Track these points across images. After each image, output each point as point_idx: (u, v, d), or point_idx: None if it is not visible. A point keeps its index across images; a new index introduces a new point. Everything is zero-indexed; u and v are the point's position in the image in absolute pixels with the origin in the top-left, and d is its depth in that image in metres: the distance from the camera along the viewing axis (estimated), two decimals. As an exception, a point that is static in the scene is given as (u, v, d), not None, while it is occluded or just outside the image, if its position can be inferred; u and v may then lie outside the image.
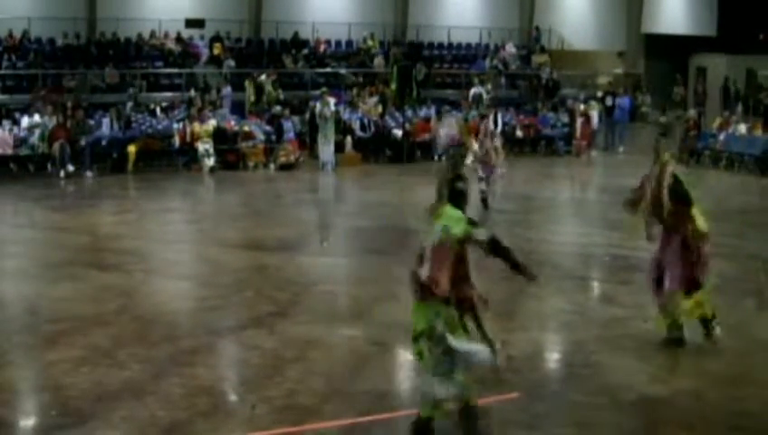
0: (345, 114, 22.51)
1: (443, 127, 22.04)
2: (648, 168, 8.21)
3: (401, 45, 28.98)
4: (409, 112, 23.90)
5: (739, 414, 6.50)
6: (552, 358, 8.03)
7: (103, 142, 19.86)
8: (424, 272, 5.93)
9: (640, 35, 32.96)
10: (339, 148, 20.76)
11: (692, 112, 23.61)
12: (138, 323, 8.49)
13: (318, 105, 20.67)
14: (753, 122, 22.62)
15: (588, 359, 7.59)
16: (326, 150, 20.05)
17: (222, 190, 18.22)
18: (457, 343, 5.73)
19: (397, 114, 23.41)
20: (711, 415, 6.57)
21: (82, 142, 19.16)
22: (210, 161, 19.73)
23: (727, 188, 19.00)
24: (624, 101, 25.33)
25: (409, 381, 7.24)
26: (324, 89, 22.16)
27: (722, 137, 21.62)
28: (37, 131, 19.32)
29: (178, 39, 26.39)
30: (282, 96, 24.00)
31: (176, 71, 25.16)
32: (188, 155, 20.05)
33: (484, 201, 15.19)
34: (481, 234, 5.86)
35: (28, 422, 6.41)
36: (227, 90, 23.96)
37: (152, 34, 26.26)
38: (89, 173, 18.98)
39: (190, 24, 26.65)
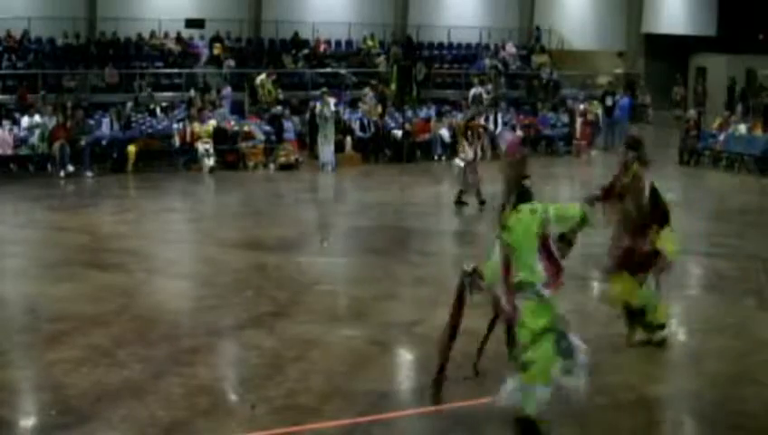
0: (345, 114, 22.52)
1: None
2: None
3: (401, 46, 28.98)
4: (409, 112, 23.91)
5: (739, 414, 6.50)
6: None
7: (103, 142, 19.86)
8: (530, 273, 6.12)
9: (640, 35, 32.96)
10: (339, 148, 20.75)
11: (692, 112, 23.59)
12: (138, 323, 8.49)
13: (318, 105, 20.67)
14: (753, 122, 22.60)
15: (588, 358, 7.57)
16: (326, 150, 20.04)
17: (222, 190, 18.21)
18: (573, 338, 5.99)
19: (397, 114, 23.41)
20: (711, 415, 6.56)
21: (82, 142, 19.16)
22: (210, 161, 19.72)
23: (727, 189, 19.01)
24: (624, 101, 25.33)
25: (409, 381, 7.25)
26: (324, 89, 22.16)
27: (722, 137, 21.61)
28: (37, 131, 19.32)
29: (178, 39, 26.42)
30: (281, 96, 24.01)
31: (176, 71, 25.19)
32: (188, 155, 20.05)
33: (482, 202, 15.12)
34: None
35: (28, 422, 6.41)
36: (227, 90, 23.97)
37: (152, 34, 26.30)
38: (89, 173, 18.97)
39: (190, 23, 26.68)
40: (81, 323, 8.40)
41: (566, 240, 6.23)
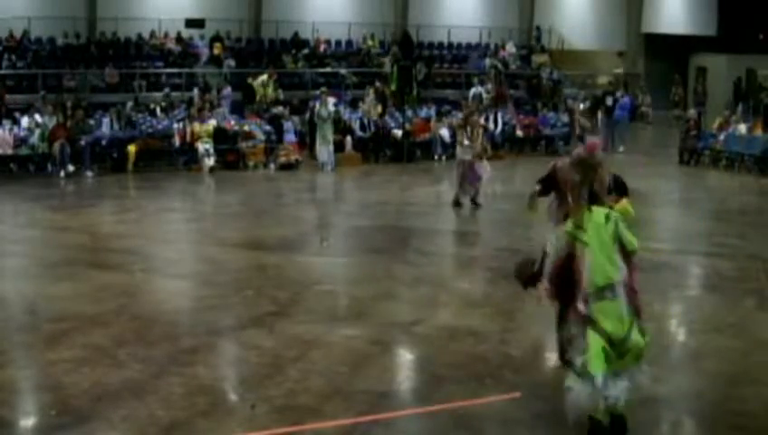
0: (345, 114, 22.52)
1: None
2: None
3: (398, 44, 28.96)
4: (409, 112, 23.90)
5: (740, 414, 6.50)
6: (553, 357, 7.99)
7: (103, 142, 19.87)
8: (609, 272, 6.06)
9: (640, 35, 32.98)
10: (339, 147, 20.76)
11: (692, 112, 23.61)
12: (138, 323, 8.48)
13: (317, 105, 20.68)
14: (753, 122, 22.61)
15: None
16: (324, 151, 20.04)
17: (222, 190, 18.21)
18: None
19: (397, 114, 23.41)
20: (711, 415, 6.56)
21: (82, 142, 19.17)
22: (210, 161, 19.73)
23: (727, 188, 19.02)
24: (624, 101, 25.34)
25: (409, 381, 7.24)
26: (324, 89, 22.18)
27: (722, 137, 21.61)
28: (37, 131, 19.33)
29: (178, 39, 26.42)
30: (281, 96, 24.02)
31: (176, 70, 25.18)
32: (188, 155, 20.06)
33: (474, 202, 15.15)
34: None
35: (28, 422, 6.40)
36: (227, 90, 23.98)
37: (152, 34, 26.30)
38: (89, 173, 18.98)
39: (190, 23, 26.68)
40: (81, 323, 8.40)
41: None
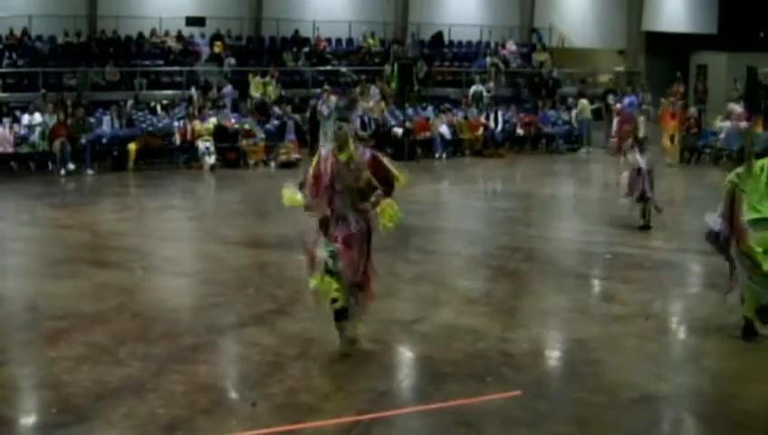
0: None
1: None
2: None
3: (408, 45, 28.97)
4: (410, 110, 23.91)
5: (740, 412, 6.49)
6: (553, 356, 8.02)
7: (104, 140, 19.88)
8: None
9: (641, 33, 32.93)
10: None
11: (692, 110, 23.60)
12: (138, 321, 8.48)
13: (319, 103, 20.69)
14: (754, 120, 22.57)
15: (589, 357, 7.58)
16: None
17: (222, 188, 18.21)
18: None
19: (397, 112, 23.41)
20: (711, 413, 6.56)
21: (83, 140, 19.18)
22: (211, 159, 19.74)
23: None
24: (631, 99, 25.21)
25: (410, 379, 7.24)
26: (327, 87, 22.19)
27: (722, 135, 21.60)
28: (38, 129, 19.34)
29: (179, 37, 26.42)
30: (282, 92, 24.05)
31: (176, 69, 25.18)
32: (189, 153, 20.07)
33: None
34: None
35: (28, 420, 6.40)
36: (228, 88, 23.99)
37: (153, 32, 26.29)
38: (89, 171, 18.99)
39: (191, 21, 26.68)
40: (82, 321, 8.40)
41: None
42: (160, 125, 21.03)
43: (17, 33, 24.63)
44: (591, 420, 6.31)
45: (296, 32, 28.20)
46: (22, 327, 8.50)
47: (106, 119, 20.37)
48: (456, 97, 26.22)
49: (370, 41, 28.88)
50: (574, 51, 31.50)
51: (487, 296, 9.63)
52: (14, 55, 24.03)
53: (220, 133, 20.38)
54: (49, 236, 13.08)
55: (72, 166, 18.80)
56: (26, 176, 18.72)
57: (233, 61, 25.96)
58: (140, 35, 26.16)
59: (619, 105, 24.35)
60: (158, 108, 22.20)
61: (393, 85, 25.70)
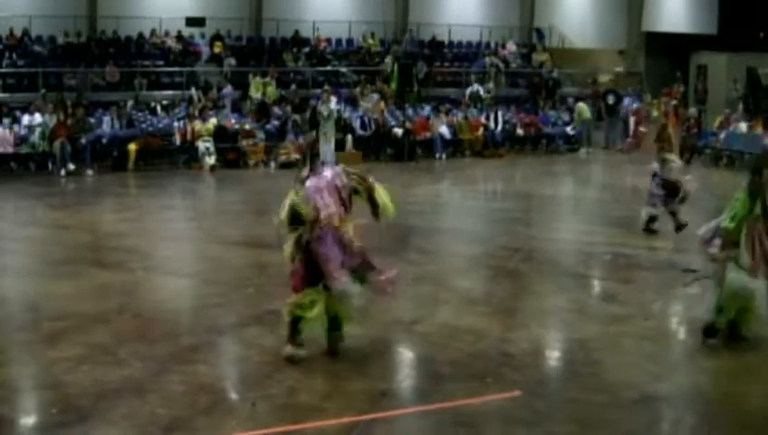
0: (346, 112, 22.53)
1: None
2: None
3: (405, 40, 28.99)
4: (410, 111, 23.92)
5: (740, 411, 6.50)
6: (553, 356, 8.03)
7: (104, 140, 19.89)
8: None
9: (641, 33, 32.93)
10: (339, 146, 20.76)
11: (692, 111, 23.62)
12: (138, 321, 8.49)
13: (319, 103, 20.71)
14: (754, 121, 22.61)
15: (589, 357, 7.58)
16: (325, 149, 20.03)
17: (222, 188, 18.22)
18: None
19: (397, 112, 23.42)
20: (712, 412, 6.56)
21: (83, 140, 19.19)
22: (211, 159, 19.75)
23: (728, 187, 18.95)
24: (629, 100, 25.25)
25: (410, 380, 7.24)
26: (327, 87, 22.20)
27: (722, 135, 21.62)
28: (38, 130, 19.35)
29: (179, 37, 26.40)
30: (282, 93, 24.05)
31: (176, 69, 25.17)
32: (189, 153, 20.08)
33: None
34: None
35: (29, 420, 6.40)
36: (228, 88, 24.00)
37: (153, 33, 26.27)
38: (89, 171, 19.00)
39: (191, 22, 26.67)
40: (82, 321, 8.40)
41: None
42: (160, 125, 21.04)
43: (17, 33, 24.62)
44: (591, 420, 6.31)
45: (296, 32, 28.18)
46: (22, 327, 8.50)
47: (106, 119, 20.39)
48: (455, 97, 26.23)
49: (370, 41, 28.88)
50: (574, 51, 31.49)
51: (487, 296, 9.64)
52: (14, 56, 24.02)
53: (220, 134, 20.39)
54: (49, 236, 13.09)
55: (72, 166, 18.81)
56: (26, 176, 18.72)
57: (233, 61, 25.96)
58: (140, 36, 26.14)
59: (635, 105, 24.53)
60: (158, 108, 22.21)
61: (393, 86, 25.70)
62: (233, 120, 21.40)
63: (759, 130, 21.41)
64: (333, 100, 21.25)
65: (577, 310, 9.12)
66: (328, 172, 7.57)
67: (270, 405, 6.45)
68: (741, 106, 26.45)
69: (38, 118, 19.74)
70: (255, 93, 23.83)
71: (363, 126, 22.10)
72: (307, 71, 26.76)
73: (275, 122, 21.81)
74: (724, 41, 31.92)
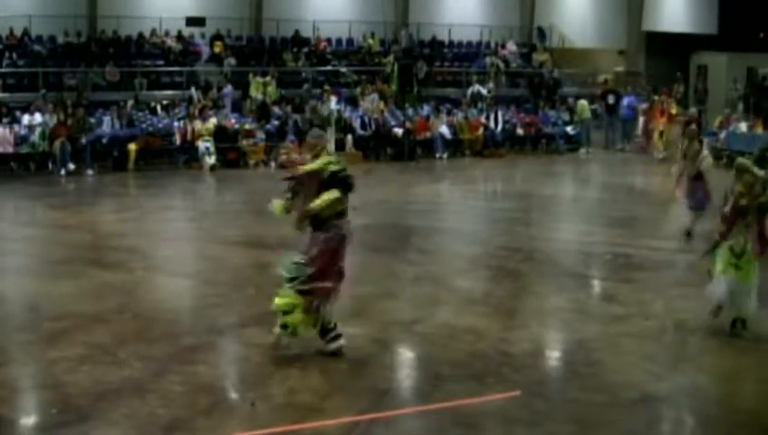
0: (346, 112, 22.53)
1: None
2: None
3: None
4: (410, 111, 23.92)
5: (740, 411, 6.51)
6: (553, 356, 8.03)
7: (104, 140, 19.88)
8: None
9: (641, 33, 32.93)
10: (340, 146, 20.75)
11: (693, 110, 23.61)
12: (138, 321, 8.49)
13: (319, 103, 20.72)
14: (754, 120, 22.61)
15: (588, 357, 7.59)
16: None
17: (222, 188, 18.22)
18: None
19: (397, 112, 23.41)
20: (712, 412, 6.57)
21: (83, 140, 19.17)
22: (211, 159, 19.74)
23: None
24: (631, 100, 25.22)
25: (410, 380, 7.25)
26: (327, 87, 22.19)
27: (723, 135, 21.61)
28: (38, 130, 19.34)
29: (179, 37, 26.40)
30: (283, 92, 24.06)
31: (176, 69, 25.16)
32: (189, 153, 20.07)
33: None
34: None
35: (29, 420, 6.40)
36: (228, 88, 23.99)
37: (153, 32, 26.26)
38: (89, 171, 18.99)
39: (191, 22, 26.67)
40: (82, 322, 8.40)
41: None
42: (160, 125, 21.03)
43: (17, 33, 24.62)
44: (591, 420, 6.32)
45: (296, 32, 28.18)
46: (22, 327, 8.49)
47: (106, 119, 20.38)
48: (456, 97, 26.22)
49: (370, 41, 28.88)
50: (574, 51, 31.49)
51: (487, 297, 9.64)
52: (15, 55, 24.02)
53: (220, 133, 20.39)
54: (49, 236, 13.08)
55: (72, 166, 18.80)
56: (26, 176, 18.72)
57: (233, 61, 25.95)
58: (140, 35, 26.14)
59: (644, 105, 24.56)
60: (159, 108, 22.20)
61: (393, 86, 25.70)
62: (233, 120, 21.39)
63: (759, 129, 21.41)
64: (333, 100, 21.25)
65: (577, 310, 9.12)
66: None
67: (270, 405, 6.45)
68: (741, 106, 26.48)
69: (38, 118, 19.73)
70: (256, 93, 23.81)
71: (363, 126, 22.10)
72: (307, 70, 26.76)
73: (275, 122, 21.81)
74: (724, 41, 31.94)
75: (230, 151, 20.37)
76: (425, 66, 27.02)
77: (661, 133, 22.47)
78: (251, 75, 24.44)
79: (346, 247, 7.45)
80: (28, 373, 7.27)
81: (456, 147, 22.90)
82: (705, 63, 33.29)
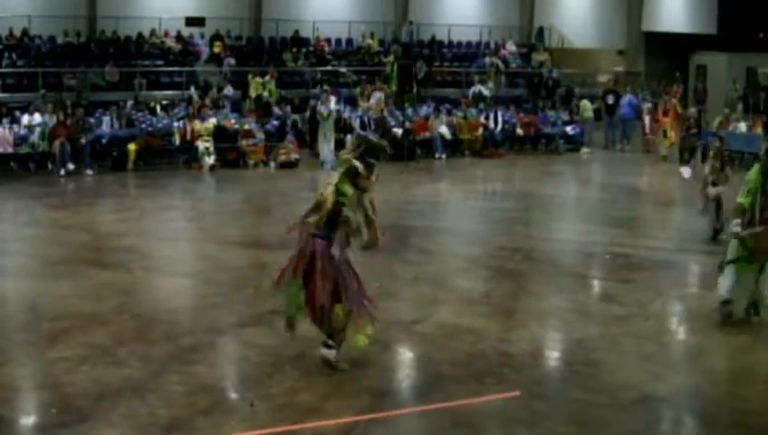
0: (345, 112, 22.53)
1: None
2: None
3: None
4: (410, 111, 23.91)
5: (740, 411, 6.51)
6: (553, 356, 8.03)
7: (103, 140, 19.86)
8: None
9: (640, 33, 32.96)
10: (339, 146, 20.75)
11: (692, 111, 23.61)
12: (138, 321, 8.49)
13: (319, 103, 20.72)
14: (754, 120, 22.61)
15: (588, 357, 7.59)
16: (325, 149, 20.05)
17: (222, 188, 18.21)
18: None
19: (397, 112, 23.41)
20: (712, 413, 6.57)
21: (83, 140, 19.16)
22: (210, 159, 19.73)
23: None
24: (630, 99, 25.21)
25: (409, 380, 7.25)
26: (326, 87, 22.18)
27: (722, 135, 21.60)
28: (37, 130, 19.32)
29: (179, 37, 26.42)
30: (282, 92, 24.08)
31: (176, 69, 25.19)
32: (189, 153, 20.06)
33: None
34: None
35: (28, 420, 6.40)
36: (228, 88, 24.00)
37: (152, 33, 26.28)
38: (89, 171, 18.97)
39: (190, 22, 26.69)
40: (82, 322, 8.40)
41: None
42: (160, 125, 21.02)
43: (17, 33, 24.63)
44: (591, 420, 6.32)
45: (296, 32, 28.20)
46: (22, 328, 8.49)
47: (106, 119, 20.37)
48: (455, 97, 26.23)
49: (370, 41, 28.89)
50: (574, 51, 31.52)
51: (487, 297, 9.64)
52: (14, 55, 24.03)
53: (220, 133, 20.38)
54: (49, 236, 13.08)
55: (71, 166, 18.78)
56: (26, 176, 18.71)
57: (232, 61, 25.97)
58: (140, 36, 26.15)
59: (647, 105, 24.58)
60: (158, 108, 22.20)
61: (393, 86, 25.70)
62: (232, 120, 21.39)
63: (759, 129, 21.40)
64: (333, 100, 21.25)
65: (577, 310, 9.12)
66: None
67: (269, 405, 6.45)
68: (740, 106, 26.48)
69: (38, 118, 19.71)
70: (255, 93, 23.81)
71: (363, 126, 22.09)
72: (307, 71, 26.77)
73: (275, 122, 21.81)
74: (723, 41, 31.96)
75: (229, 151, 20.36)
76: (424, 66, 27.02)
77: (665, 132, 22.54)
78: (250, 76, 24.45)
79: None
80: (28, 374, 7.27)
81: (455, 147, 22.88)
82: (704, 64, 33.32)
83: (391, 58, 26.88)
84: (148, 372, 7.10)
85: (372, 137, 7.87)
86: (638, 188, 18.94)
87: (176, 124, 20.59)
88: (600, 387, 6.87)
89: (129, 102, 21.77)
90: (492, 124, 23.51)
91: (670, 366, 7.55)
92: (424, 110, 23.91)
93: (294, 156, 20.42)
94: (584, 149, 24.02)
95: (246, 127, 20.85)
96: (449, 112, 23.51)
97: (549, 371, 7.62)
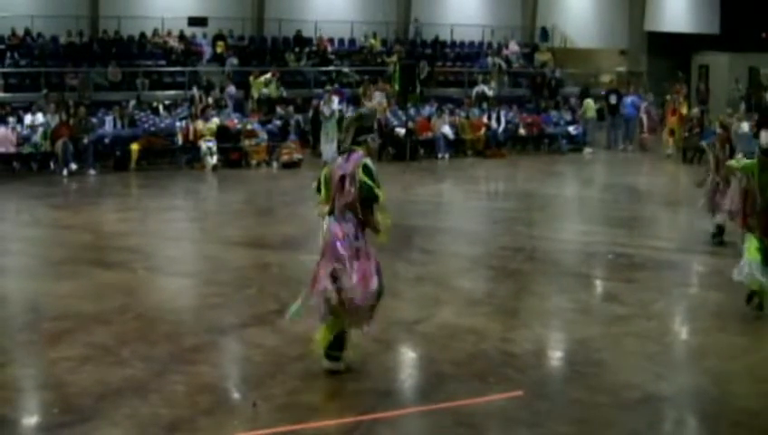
0: (348, 112, 22.53)
1: None
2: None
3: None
4: (412, 111, 23.92)
5: (741, 411, 6.49)
6: (555, 356, 8.02)
7: (106, 140, 19.89)
8: None
9: (643, 33, 32.95)
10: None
11: (695, 111, 23.62)
12: (140, 321, 8.49)
13: (321, 103, 20.74)
14: (756, 120, 22.58)
15: (591, 357, 7.58)
16: (328, 148, 20.06)
17: (225, 188, 18.22)
18: None
19: (399, 112, 23.42)
20: (713, 412, 6.56)
21: (85, 140, 19.18)
22: (213, 159, 19.74)
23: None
24: (632, 99, 25.22)
25: (412, 380, 7.24)
26: (329, 87, 22.18)
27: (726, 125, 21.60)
28: (40, 130, 19.35)
29: (181, 37, 26.44)
30: (284, 93, 24.08)
31: (179, 69, 25.21)
32: (191, 153, 20.07)
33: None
34: None
35: (30, 420, 6.40)
36: (231, 88, 24.01)
37: (155, 32, 26.32)
38: (92, 171, 18.99)
39: (193, 22, 26.72)
40: (84, 322, 8.40)
41: None
42: (162, 125, 21.05)
43: (20, 33, 24.66)
44: (593, 420, 6.31)
45: (298, 32, 28.21)
46: (24, 328, 8.50)
47: (108, 119, 20.40)
48: (458, 97, 26.23)
49: (372, 41, 28.89)
50: (576, 51, 31.52)
51: (489, 297, 9.63)
52: (17, 55, 24.07)
53: (222, 134, 20.39)
54: (51, 236, 13.09)
55: (74, 166, 18.80)
56: (28, 176, 18.73)
57: (235, 61, 25.98)
58: (143, 35, 26.19)
59: (645, 104, 24.62)
60: (161, 108, 22.22)
61: (395, 86, 25.70)
62: (235, 120, 21.40)
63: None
64: (335, 100, 21.25)
65: (579, 310, 9.12)
66: (355, 156, 7.44)
67: (271, 405, 6.45)
68: (743, 106, 26.45)
69: (40, 118, 19.75)
70: (257, 92, 23.82)
71: (365, 126, 22.08)
72: (309, 71, 26.77)
73: (277, 122, 21.82)
74: (726, 41, 31.94)
75: (232, 151, 20.37)
76: (427, 66, 27.02)
77: (672, 131, 22.61)
78: (251, 78, 24.45)
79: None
80: (30, 374, 7.27)
81: (457, 147, 22.89)
82: (706, 63, 33.30)
83: (394, 58, 26.88)
84: (150, 371, 7.10)
85: (354, 114, 7.87)
86: (640, 188, 18.93)
87: (178, 124, 20.61)
88: (603, 387, 6.86)
89: (132, 102, 21.80)
90: (494, 124, 23.52)
91: (672, 366, 7.54)
92: (427, 110, 23.91)
93: (297, 156, 20.43)
94: (587, 149, 24.03)
95: (249, 127, 20.86)
96: (452, 112, 23.52)
97: (551, 371, 7.62)
